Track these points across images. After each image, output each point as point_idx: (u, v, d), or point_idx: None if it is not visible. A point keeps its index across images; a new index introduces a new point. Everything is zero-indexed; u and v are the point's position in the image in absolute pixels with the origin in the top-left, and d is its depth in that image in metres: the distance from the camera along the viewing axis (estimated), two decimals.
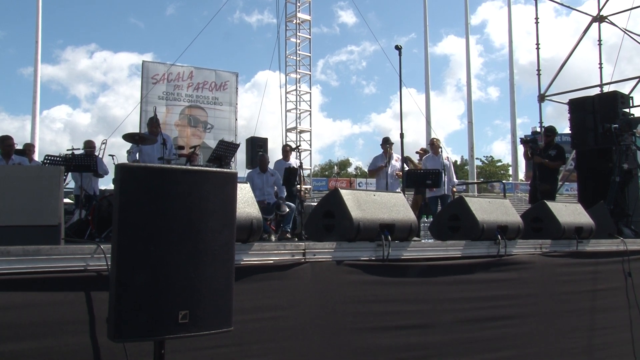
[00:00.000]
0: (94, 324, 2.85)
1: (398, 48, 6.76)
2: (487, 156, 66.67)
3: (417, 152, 11.30)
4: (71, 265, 2.90)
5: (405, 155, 8.62)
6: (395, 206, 4.38)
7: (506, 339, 4.65)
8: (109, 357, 2.82)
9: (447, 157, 10.24)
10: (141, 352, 2.80)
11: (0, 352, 2.65)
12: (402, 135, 6.86)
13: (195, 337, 2.33)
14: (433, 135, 19.84)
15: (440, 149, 10.13)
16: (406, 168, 9.26)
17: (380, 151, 9.72)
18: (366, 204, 4.19)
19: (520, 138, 9.80)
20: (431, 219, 8.74)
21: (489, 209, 4.96)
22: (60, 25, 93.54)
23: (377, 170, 9.64)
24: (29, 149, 9.92)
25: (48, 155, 8.16)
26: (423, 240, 5.25)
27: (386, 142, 9.63)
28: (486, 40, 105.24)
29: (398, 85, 6.93)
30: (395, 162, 9.49)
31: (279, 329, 3.52)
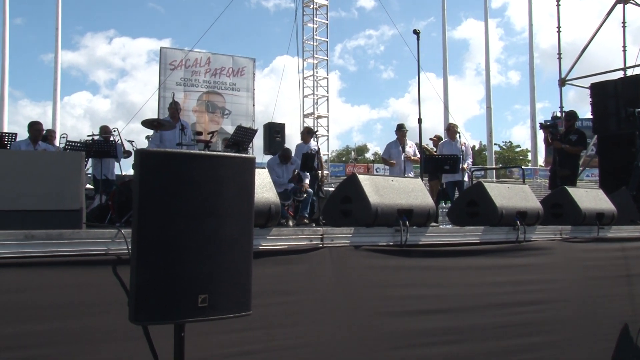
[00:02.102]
0: (115, 307, 2.90)
1: (416, 32, 6.71)
2: (506, 141, 65.95)
3: (430, 139, 11.25)
4: (93, 249, 2.95)
5: (422, 145, 8.59)
6: (414, 191, 4.37)
7: (530, 324, 4.61)
8: (129, 338, 2.87)
9: (465, 143, 10.20)
10: (162, 334, 2.85)
11: (23, 332, 2.71)
12: (420, 121, 6.83)
13: (214, 320, 2.35)
14: (451, 121, 19.72)
15: (457, 135, 10.09)
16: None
17: (394, 138, 9.70)
18: (384, 189, 4.19)
19: (540, 123, 9.72)
20: (449, 205, 8.71)
21: (508, 194, 4.93)
22: (79, 11, 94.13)
23: (389, 162, 9.65)
24: (50, 135, 10.06)
25: (69, 141, 8.28)
26: (441, 226, 5.24)
27: (400, 129, 9.60)
28: (507, 24, 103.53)
29: (416, 70, 6.89)
30: (409, 149, 9.48)
31: (300, 312, 3.54)
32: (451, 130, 10.25)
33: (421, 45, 6.80)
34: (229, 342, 3.18)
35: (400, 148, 9.41)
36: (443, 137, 11.00)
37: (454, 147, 9.84)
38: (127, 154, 9.36)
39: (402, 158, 9.34)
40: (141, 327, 2.66)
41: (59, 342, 2.80)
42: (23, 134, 8.65)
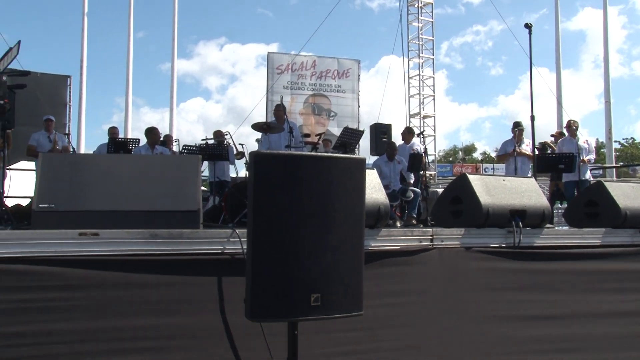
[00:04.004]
0: (230, 304, 3.02)
1: (528, 26, 6.45)
2: (627, 138, 61.32)
3: (552, 135, 10.74)
4: (210, 248, 3.09)
5: (543, 141, 8.20)
6: (527, 191, 4.21)
7: None
8: (242, 334, 2.99)
9: (587, 140, 9.68)
10: (273, 332, 2.94)
11: (147, 325, 2.90)
12: (532, 118, 6.54)
13: (327, 320, 2.39)
14: (565, 117, 18.72)
15: (577, 132, 9.60)
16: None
17: (510, 135, 9.37)
18: (495, 189, 4.07)
19: None
20: (565, 206, 8.28)
21: (633, 194, 4.60)
22: (193, 21, 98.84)
23: (505, 156, 9.32)
24: (168, 139, 10.64)
25: (185, 145, 8.73)
26: (557, 228, 4.98)
27: (516, 126, 9.26)
28: (631, 10, 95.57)
29: (527, 65, 6.62)
30: (526, 147, 9.11)
31: (408, 314, 3.52)
32: (571, 127, 9.77)
33: (533, 38, 6.53)
34: (333, 342, 3.22)
35: (517, 146, 9.07)
36: (566, 134, 10.46)
37: (574, 144, 9.36)
38: (240, 155, 9.67)
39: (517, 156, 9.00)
40: (258, 324, 2.77)
41: (180, 335, 2.96)
42: (144, 140, 9.22)
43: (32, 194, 3.51)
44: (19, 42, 4.71)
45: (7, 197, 5.62)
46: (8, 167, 5.74)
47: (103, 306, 2.86)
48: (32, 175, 10.29)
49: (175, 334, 2.96)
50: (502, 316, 3.81)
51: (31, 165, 10.31)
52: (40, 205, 3.14)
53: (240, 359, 3.04)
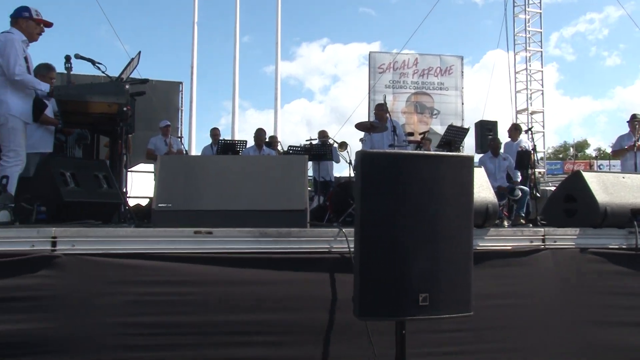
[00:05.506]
0: (337, 302, 3.07)
1: None
2: None
3: None
4: (317, 247, 3.15)
5: None
6: None
7: None
8: (347, 332, 3.02)
9: None
10: (375, 330, 2.95)
11: (258, 320, 3.00)
12: None
13: (435, 320, 2.37)
14: None
15: None
16: None
17: (626, 129, 8.77)
18: (614, 187, 3.85)
19: None
20: None
21: None
22: (296, 23, 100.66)
23: (621, 151, 8.73)
24: (273, 141, 10.93)
25: (290, 146, 8.94)
26: None
27: (634, 119, 8.66)
28: None
29: None
30: None
31: (516, 316, 3.41)
32: None
33: None
34: (437, 341, 3.18)
35: (635, 140, 8.47)
36: None
37: None
38: (343, 146, 9.70)
39: (635, 151, 8.40)
40: (364, 323, 2.79)
41: (289, 331, 3.05)
42: (251, 141, 9.55)
43: (150, 194, 3.73)
44: (139, 53, 5.04)
45: (128, 197, 6.02)
46: (129, 170, 6.15)
47: (215, 301, 3.00)
48: (149, 177, 10.97)
49: (285, 329, 3.05)
50: (616, 322, 3.60)
51: (148, 167, 10.96)
52: (159, 205, 3.33)
53: (345, 356, 3.08)
